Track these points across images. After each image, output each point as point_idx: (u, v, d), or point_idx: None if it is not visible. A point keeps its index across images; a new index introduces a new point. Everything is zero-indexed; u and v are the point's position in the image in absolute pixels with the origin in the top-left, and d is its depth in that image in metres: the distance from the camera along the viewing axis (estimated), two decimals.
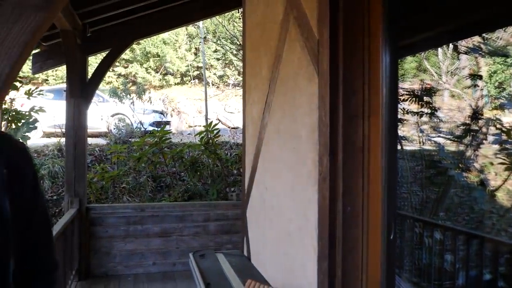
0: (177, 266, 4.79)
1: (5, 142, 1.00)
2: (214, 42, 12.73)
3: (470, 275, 3.31)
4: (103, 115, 9.68)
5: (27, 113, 5.03)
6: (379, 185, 1.98)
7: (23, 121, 4.91)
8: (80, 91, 4.72)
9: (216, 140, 5.78)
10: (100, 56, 7.57)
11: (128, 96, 8.81)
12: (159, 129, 10.18)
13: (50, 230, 1.06)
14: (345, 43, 1.98)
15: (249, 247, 3.43)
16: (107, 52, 4.89)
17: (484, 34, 3.85)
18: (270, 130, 2.86)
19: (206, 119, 10.00)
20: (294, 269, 2.44)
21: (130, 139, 7.96)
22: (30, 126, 4.96)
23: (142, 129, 8.45)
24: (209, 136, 5.57)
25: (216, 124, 5.76)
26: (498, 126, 4.90)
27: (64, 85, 5.69)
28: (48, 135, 8.77)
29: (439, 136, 5.85)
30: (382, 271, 1.97)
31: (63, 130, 6.55)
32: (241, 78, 14.47)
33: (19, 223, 0.93)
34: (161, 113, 11.87)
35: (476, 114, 5.11)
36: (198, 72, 15.30)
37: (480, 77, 4.56)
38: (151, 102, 9.99)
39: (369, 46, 1.99)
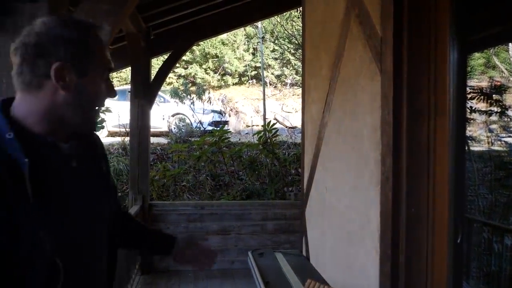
0: (235, 264, 4.88)
1: (98, 139, 1.18)
2: (272, 42, 12.77)
3: None
4: (164, 115, 10.08)
5: None
6: (445, 187, 1.91)
7: None
8: (144, 92, 4.95)
9: (274, 140, 5.81)
10: (162, 58, 7.90)
11: (189, 96, 9.09)
12: (218, 128, 10.47)
13: None
14: (410, 40, 1.92)
15: (308, 247, 3.43)
16: (169, 54, 5.10)
17: None
18: (330, 129, 2.84)
19: (264, 118, 10.08)
20: (354, 269, 2.41)
21: (190, 139, 8.23)
22: (98, 125, 5.30)
23: (202, 128, 8.69)
24: (267, 136, 5.62)
25: (274, 124, 5.80)
26: None
27: (128, 86, 6.00)
28: (112, 134, 9.25)
29: (509, 136, 5.48)
30: (448, 276, 1.90)
31: (127, 129, 6.92)
32: (298, 78, 14.45)
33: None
34: (220, 113, 12.15)
35: None
36: (255, 72, 15.46)
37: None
38: (210, 102, 10.25)
39: (435, 43, 1.92)
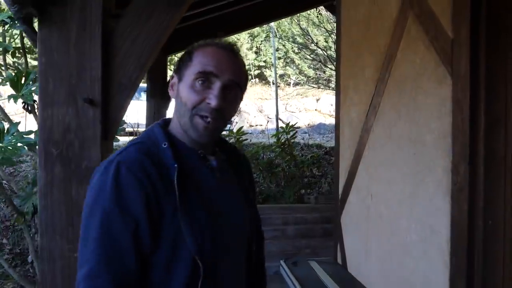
0: None
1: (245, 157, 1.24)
2: (285, 40, 12.52)
3: None
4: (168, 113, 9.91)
5: None
6: None
7: None
8: (160, 91, 4.78)
9: (292, 141, 5.69)
10: (175, 58, 7.71)
11: None
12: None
13: None
14: (488, 43, 1.81)
15: (344, 255, 3.31)
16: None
17: None
18: (377, 133, 2.72)
19: (277, 119, 9.94)
20: (412, 282, 2.29)
21: None
22: (119, 127, 5.13)
23: None
24: (286, 137, 5.50)
25: (294, 125, 5.68)
26: None
27: (143, 85, 5.83)
28: (127, 133, 9.06)
29: None
30: None
31: (135, 129, 6.74)
32: (302, 77, 14.32)
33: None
34: None
35: None
36: (259, 71, 15.30)
37: None
38: None
39: None
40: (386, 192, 2.61)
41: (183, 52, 1.06)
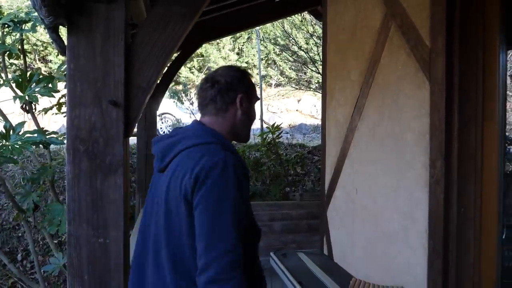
0: None
1: None
2: (267, 41, 12.73)
3: None
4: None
5: None
6: (494, 189, 2.06)
7: None
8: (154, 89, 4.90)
9: (278, 141, 5.92)
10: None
11: (188, 96, 9.09)
12: None
13: None
14: (461, 51, 2.07)
15: (330, 247, 3.54)
16: (177, 54, 5.08)
17: None
18: (362, 133, 2.96)
19: (261, 119, 10.15)
20: (395, 268, 2.54)
21: None
22: None
23: None
24: (272, 137, 5.72)
25: (279, 125, 5.90)
26: None
27: None
28: None
29: None
30: (496, 270, 2.05)
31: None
32: (283, 79, 14.59)
33: None
34: None
35: None
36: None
37: None
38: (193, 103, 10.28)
39: (484, 55, 2.07)
40: (370, 187, 2.85)
41: (243, 75, 1.45)
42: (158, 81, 4.97)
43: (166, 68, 5.08)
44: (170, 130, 9.61)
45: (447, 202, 2.10)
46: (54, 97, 3.19)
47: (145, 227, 1.44)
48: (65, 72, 3.47)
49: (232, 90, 1.39)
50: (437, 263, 2.14)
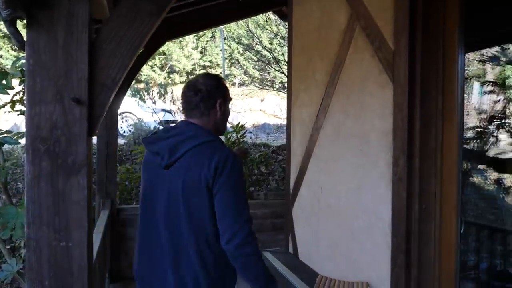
0: None
1: None
2: (231, 40, 12.73)
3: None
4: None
5: None
6: (453, 185, 2.14)
7: None
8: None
9: (242, 141, 5.91)
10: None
11: (150, 94, 8.91)
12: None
13: None
14: (423, 54, 2.14)
15: (295, 245, 3.58)
16: (140, 52, 4.96)
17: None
18: (327, 132, 3.00)
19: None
20: (360, 264, 2.59)
21: None
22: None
23: (161, 128, 8.54)
24: (237, 136, 5.70)
25: (243, 125, 5.89)
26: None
27: None
28: None
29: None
30: (456, 263, 2.14)
31: None
32: (247, 78, 14.61)
33: None
34: (169, 111, 11.97)
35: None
36: (204, 71, 15.37)
37: (496, 84, 4.74)
38: (167, 100, 10.10)
39: (444, 57, 2.15)
40: (335, 185, 2.90)
41: (219, 82, 1.74)
42: None
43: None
44: (131, 130, 9.44)
45: (409, 199, 2.17)
46: (8, 94, 3.04)
47: (146, 218, 1.71)
48: (21, 68, 3.31)
49: (212, 97, 1.69)
50: (400, 258, 2.20)
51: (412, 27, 2.14)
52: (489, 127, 4.71)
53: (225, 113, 1.76)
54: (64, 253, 1.59)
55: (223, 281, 1.63)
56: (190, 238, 1.57)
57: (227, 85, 1.87)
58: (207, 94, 1.68)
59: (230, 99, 1.79)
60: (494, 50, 4.53)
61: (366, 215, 2.52)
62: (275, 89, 11.93)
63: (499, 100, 4.50)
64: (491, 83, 5.16)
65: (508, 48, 4.02)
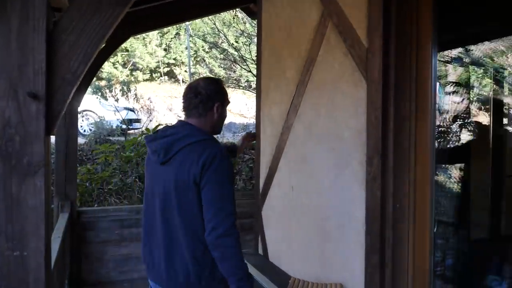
0: None
1: None
2: (197, 37, 12.51)
3: None
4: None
5: None
6: (426, 184, 2.14)
7: None
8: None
9: None
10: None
11: (112, 92, 8.59)
12: (131, 127, 9.96)
13: None
14: (396, 52, 2.12)
15: (265, 246, 3.51)
16: (102, 46, 4.73)
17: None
18: (298, 131, 2.95)
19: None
20: (332, 264, 2.56)
21: (110, 138, 7.77)
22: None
23: (124, 127, 8.27)
24: None
25: None
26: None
27: None
28: None
29: None
30: (430, 262, 2.14)
31: None
32: (213, 76, 14.40)
33: None
34: (132, 110, 11.63)
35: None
36: (168, 69, 15.07)
37: (459, 84, 4.89)
38: (130, 98, 9.79)
39: (417, 54, 2.14)
40: (307, 185, 2.85)
41: (219, 86, 1.94)
42: None
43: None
44: (92, 129, 9.10)
45: (384, 198, 2.15)
46: None
47: (148, 209, 1.88)
48: None
49: (210, 100, 1.86)
50: (374, 258, 2.18)
51: (386, 24, 2.11)
52: (451, 126, 4.84)
53: (222, 116, 1.94)
54: (18, 263, 1.44)
55: (211, 270, 1.73)
56: (181, 230, 1.73)
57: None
58: (206, 97, 1.85)
59: (228, 102, 1.99)
60: (457, 51, 4.65)
61: (339, 215, 2.49)
62: (241, 87, 11.84)
63: (462, 100, 4.63)
64: (453, 84, 5.32)
65: (472, 50, 4.12)
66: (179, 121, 1.90)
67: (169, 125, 1.94)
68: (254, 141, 2.96)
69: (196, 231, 1.70)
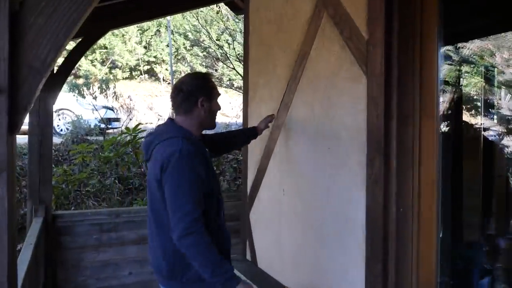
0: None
1: None
2: (178, 35, 12.19)
3: None
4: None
5: None
6: (432, 187, 1.99)
7: None
8: (46, 83, 4.25)
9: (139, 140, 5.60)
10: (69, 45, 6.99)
11: (90, 90, 8.27)
12: (111, 126, 9.65)
13: None
14: (400, 43, 1.97)
15: (254, 251, 3.33)
16: (79, 40, 4.46)
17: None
18: (289, 130, 2.78)
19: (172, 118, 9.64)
20: (328, 271, 2.39)
21: (87, 137, 7.47)
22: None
23: (103, 126, 7.97)
24: (130, 138, 5.39)
25: (138, 126, 5.61)
26: None
27: None
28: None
29: None
30: (436, 272, 1.99)
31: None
32: None
33: None
34: (111, 109, 11.28)
35: None
36: (149, 67, 14.70)
37: (448, 83, 4.82)
38: (109, 96, 9.47)
39: (421, 46, 1.99)
40: (299, 187, 2.68)
41: (204, 81, 1.95)
42: (55, 71, 4.32)
43: (65, 57, 4.44)
44: (69, 128, 8.77)
45: (386, 202, 1.99)
46: None
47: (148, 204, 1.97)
48: None
49: (193, 96, 1.86)
50: (376, 267, 2.02)
51: (389, 13, 1.95)
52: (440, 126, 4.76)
53: (210, 110, 1.93)
54: None
55: (186, 266, 1.79)
56: (156, 228, 1.85)
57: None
58: (188, 93, 1.85)
59: (219, 94, 1.98)
60: (445, 49, 4.57)
61: (336, 220, 2.32)
62: (223, 86, 11.63)
63: (452, 98, 4.53)
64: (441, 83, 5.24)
65: (462, 47, 4.03)
66: (167, 119, 1.95)
67: (160, 124, 2.00)
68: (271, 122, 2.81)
69: (163, 223, 1.79)
